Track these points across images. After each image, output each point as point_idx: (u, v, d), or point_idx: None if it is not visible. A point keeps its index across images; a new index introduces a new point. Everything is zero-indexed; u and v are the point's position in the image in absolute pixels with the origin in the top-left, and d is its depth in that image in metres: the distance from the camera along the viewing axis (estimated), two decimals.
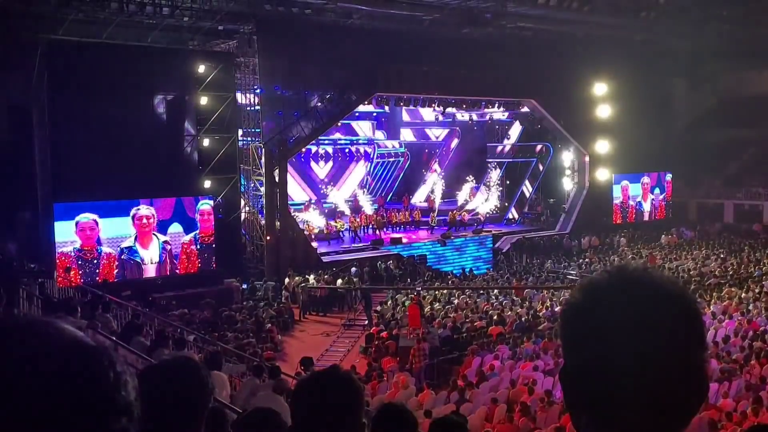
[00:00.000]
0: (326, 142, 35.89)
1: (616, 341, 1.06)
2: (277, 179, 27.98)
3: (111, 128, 23.42)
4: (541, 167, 39.08)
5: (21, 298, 13.92)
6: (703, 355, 1.10)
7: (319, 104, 29.50)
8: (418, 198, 39.94)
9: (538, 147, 39.21)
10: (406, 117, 39.16)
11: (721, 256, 30.41)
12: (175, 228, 25.28)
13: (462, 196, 37.16)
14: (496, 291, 25.25)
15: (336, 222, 32.86)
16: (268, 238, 27.68)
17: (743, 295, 21.98)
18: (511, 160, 40.19)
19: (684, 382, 1.07)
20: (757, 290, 22.67)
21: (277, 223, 28.07)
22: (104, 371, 0.82)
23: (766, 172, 39.95)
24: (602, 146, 36.67)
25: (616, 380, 1.06)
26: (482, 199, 37.19)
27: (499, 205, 38.17)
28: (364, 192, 36.12)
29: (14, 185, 23.24)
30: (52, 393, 0.76)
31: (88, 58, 23.32)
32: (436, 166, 39.16)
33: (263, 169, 27.81)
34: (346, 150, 37.65)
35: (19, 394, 0.75)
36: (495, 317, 20.45)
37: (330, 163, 37.04)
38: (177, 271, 25.26)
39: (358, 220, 33.30)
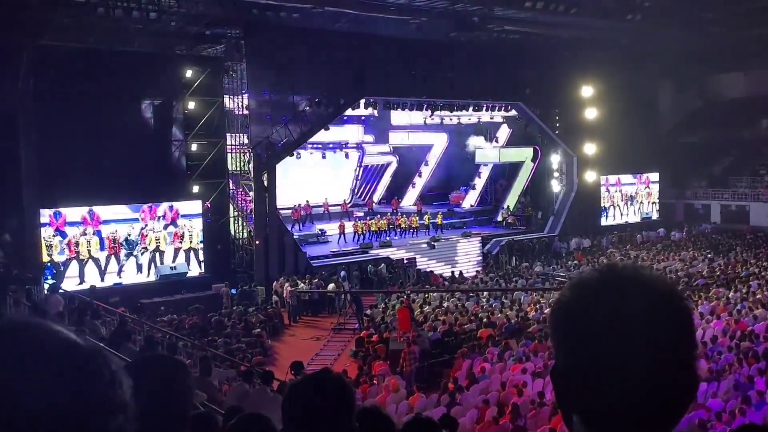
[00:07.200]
0: (315, 146, 35.71)
1: (606, 340, 1.05)
2: (265, 183, 27.89)
3: (98, 134, 23.29)
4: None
5: (8, 305, 13.79)
6: (693, 354, 1.10)
7: (308, 108, 29.43)
8: (407, 201, 39.91)
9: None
10: (394, 121, 39.13)
11: (709, 256, 30.56)
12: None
13: None
14: (485, 294, 25.29)
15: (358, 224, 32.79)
16: (257, 242, 27.57)
17: (731, 295, 22.08)
18: (499, 162, 40.17)
19: (675, 381, 1.06)
20: (744, 290, 22.76)
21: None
22: (99, 370, 0.83)
23: (751, 173, 40.26)
24: (590, 148, 36.82)
25: (606, 379, 1.05)
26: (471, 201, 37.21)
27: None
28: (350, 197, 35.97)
29: (0, 191, 23.03)
30: (49, 393, 0.77)
31: (75, 64, 23.18)
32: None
33: (252, 174, 27.73)
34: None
35: (16, 395, 0.75)
36: (485, 320, 20.47)
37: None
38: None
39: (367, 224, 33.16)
